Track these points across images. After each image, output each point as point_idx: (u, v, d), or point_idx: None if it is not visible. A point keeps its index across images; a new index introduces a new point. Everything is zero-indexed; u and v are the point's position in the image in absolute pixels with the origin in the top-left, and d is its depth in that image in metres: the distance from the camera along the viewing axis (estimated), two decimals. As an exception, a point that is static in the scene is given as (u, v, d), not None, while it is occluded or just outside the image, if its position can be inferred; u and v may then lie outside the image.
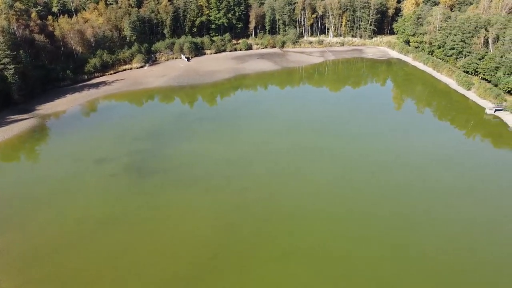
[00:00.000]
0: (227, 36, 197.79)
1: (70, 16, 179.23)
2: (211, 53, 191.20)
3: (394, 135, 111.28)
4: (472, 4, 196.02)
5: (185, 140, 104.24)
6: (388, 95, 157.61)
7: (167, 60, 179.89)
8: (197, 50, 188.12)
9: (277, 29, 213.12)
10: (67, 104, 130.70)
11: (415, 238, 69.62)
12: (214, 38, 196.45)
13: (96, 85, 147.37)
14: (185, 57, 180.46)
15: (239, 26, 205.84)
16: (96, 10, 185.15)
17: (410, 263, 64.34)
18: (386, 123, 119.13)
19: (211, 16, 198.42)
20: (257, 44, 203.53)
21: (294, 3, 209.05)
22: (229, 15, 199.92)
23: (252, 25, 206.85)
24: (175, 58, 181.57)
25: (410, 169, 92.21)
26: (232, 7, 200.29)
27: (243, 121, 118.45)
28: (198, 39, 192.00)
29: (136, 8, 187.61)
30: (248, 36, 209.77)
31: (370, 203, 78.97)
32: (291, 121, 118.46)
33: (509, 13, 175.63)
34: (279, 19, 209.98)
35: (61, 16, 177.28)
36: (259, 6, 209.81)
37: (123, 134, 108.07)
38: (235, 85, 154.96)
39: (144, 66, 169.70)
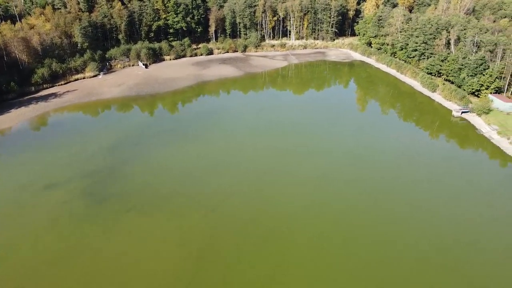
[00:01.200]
0: (186, 40, 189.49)
1: (14, 22, 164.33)
2: (170, 59, 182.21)
3: (358, 136, 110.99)
4: (430, 6, 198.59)
5: (147, 156, 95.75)
6: (352, 98, 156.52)
7: (124, 67, 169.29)
8: (156, 56, 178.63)
9: (238, 32, 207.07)
10: (12, 120, 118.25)
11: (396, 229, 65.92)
12: (173, 43, 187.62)
13: (45, 98, 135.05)
14: (143, 64, 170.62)
15: (199, 30, 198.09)
16: (42, 15, 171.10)
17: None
18: (351, 125, 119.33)
19: (168, 20, 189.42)
20: (218, 49, 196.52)
21: (255, 6, 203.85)
22: (188, 18, 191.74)
23: (212, 29, 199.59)
24: (132, 65, 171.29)
25: (378, 166, 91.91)
26: (190, 10, 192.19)
27: (208, 131, 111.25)
28: (156, 45, 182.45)
29: (87, 13, 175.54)
30: (208, 41, 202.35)
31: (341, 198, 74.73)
32: (258, 128, 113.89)
33: (467, 13, 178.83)
34: (240, 23, 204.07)
35: (3, 22, 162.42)
36: (219, 9, 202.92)
37: (77, 152, 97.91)
38: (197, 92, 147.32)
39: (99, 75, 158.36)
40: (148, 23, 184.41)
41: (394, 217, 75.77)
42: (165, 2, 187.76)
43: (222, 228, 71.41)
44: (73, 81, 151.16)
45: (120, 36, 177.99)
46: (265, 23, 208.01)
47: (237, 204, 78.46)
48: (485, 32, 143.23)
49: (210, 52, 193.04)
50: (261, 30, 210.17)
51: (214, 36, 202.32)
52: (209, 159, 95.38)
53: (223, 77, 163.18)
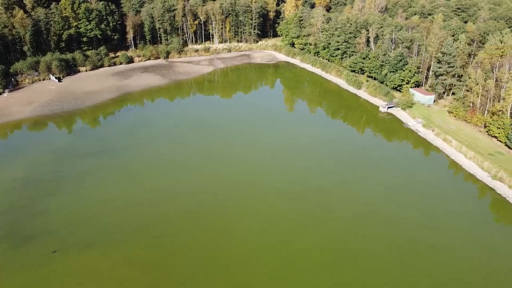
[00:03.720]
0: (102, 49, 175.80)
1: None
2: (86, 70, 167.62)
3: (285, 133, 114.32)
4: (346, 5, 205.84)
5: (72, 185, 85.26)
6: (279, 98, 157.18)
7: (33, 82, 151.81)
8: (69, 68, 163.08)
9: (158, 38, 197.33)
10: None
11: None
12: (88, 53, 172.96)
13: None
14: (55, 78, 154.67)
15: (116, 37, 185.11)
16: None
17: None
18: (281, 124, 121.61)
19: (80, 28, 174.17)
20: (139, 56, 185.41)
21: (174, 10, 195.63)
22: (102, 26, 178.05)
23: (130, 36, 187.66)
24: (43, 80, 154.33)
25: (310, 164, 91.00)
26: (104, 17, 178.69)
27: (138, 148, 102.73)
28: (69, 55, 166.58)
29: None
30: (127, 48, 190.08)
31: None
32: (190, 139, 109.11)
33: (381, 12, 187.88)
34: (159, 28, 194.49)
35: None
36: (136, 15, 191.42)
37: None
38: (121, 105, 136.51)
39: (3, 93, 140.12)
40: (57, 32, 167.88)
41: (332, 214, 75.28)
42: (75, 9, 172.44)
43: (167, 260, 65.10)
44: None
45: (25, 48, 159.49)
46: (186, 27, 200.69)
47: (181, 230, 72.48)
48: (400, 30, 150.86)
49: (131, 61, 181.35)
50: (183, 35, 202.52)
51: (133, 43, 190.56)
52: (144, 182, 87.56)
53: (147, 86, 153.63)
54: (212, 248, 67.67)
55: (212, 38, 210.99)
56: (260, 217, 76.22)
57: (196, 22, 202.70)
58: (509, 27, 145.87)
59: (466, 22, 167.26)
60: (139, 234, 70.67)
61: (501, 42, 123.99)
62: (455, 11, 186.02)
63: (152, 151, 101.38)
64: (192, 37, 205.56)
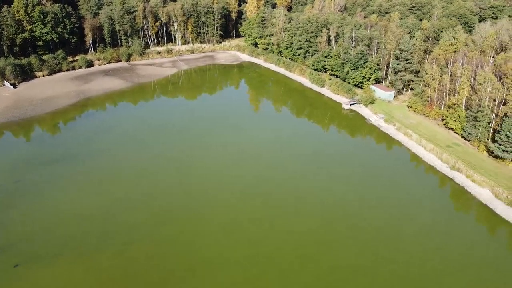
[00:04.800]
0: (60, 53, 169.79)
1: None
2: (43, 75, 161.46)
3: (251, 132, 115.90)
4: (307, 5, 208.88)
5: (33, 195, 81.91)
6: (244, 98, 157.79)
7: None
8: (25, 74, 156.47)
9: (119, 41, 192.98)
10: None
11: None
12: (45, 57, 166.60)
13: None
14: (10, 84, 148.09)
15: (73, 41, 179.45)
16: None
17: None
18: (246, 124, 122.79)
19: (35, 31, 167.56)
20: (99, 60, 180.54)
21: (134, 12, 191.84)
22: (59, 29, 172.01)
23: (89, 39, 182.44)
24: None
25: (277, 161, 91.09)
26: (60, 19, 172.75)
27: (98, 155, 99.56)
28: (24, 60, 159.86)
29: None
30: (86, 52, 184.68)
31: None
32: (154, 144, 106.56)
33: (340, 11, 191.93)
34: (119, 30, 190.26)
35: None
36: (94, 17, 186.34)
37: None
38: (81, 111, 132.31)
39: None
40: (11, 36, 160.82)
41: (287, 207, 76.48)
42: (29, 12, 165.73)
43: (137, 267, 63.90)
44: None
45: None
46: (147, 29, 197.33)
47: (148, 237, 71.25)
48: (359, 28, 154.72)
49: (90, 64, 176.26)
50: (144, 37, 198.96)
51: (92, 46, 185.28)
52: (108, 190, 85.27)
53: (109, 90, 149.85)
54: (180, 253, 66.94)
55: (175, 39, 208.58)
56: (227, 218, 76.04)
57: (158, 23, 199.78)
58: (461, 24, 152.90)
59: (421, 19, 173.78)
60: (106, 242, 68.88)
61: (454, 38, 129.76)
62: (411, 9, 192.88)
63: (115, 157, 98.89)
64: (153, 39, 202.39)
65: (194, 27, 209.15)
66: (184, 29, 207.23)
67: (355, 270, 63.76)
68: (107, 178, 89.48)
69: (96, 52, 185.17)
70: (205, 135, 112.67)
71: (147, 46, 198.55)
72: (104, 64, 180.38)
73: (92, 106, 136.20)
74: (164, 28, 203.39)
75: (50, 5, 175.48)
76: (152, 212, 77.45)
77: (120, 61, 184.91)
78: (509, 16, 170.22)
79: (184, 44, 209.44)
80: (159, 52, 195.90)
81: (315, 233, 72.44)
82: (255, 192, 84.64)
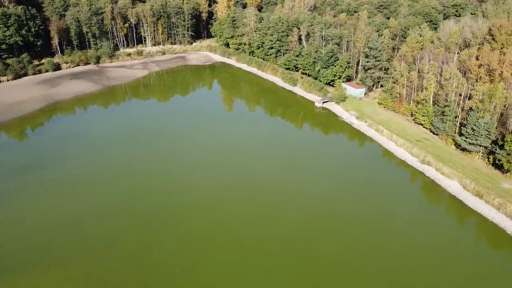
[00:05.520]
0: (25, 56, 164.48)
1: None
2: (8, 80, 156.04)
3: (225, 133, 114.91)
4: (277, 4, 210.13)
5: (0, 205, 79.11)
6: (218, 99, 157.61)
7: None
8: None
9: (87, 43, 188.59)
10: None
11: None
12: (9, 61, 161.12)
13: None
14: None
15: (39, 43, 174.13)
16: None
17: None
18: (220, 124, 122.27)
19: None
20: (67, 63, 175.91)
21: (102, 13, 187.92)
22: (23, 31, 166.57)
23: (55, 41, 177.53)
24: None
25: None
26: (24, 22, 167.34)
27: (68, 161, 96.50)
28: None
29: None
30: (53, 55, 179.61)
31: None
32: (123, 146, 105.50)
33: (310, 10, 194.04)
34: (87, 32, 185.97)
35: None
36: (60, 19, 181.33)
37: None
38: (50, 115, 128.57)
39: None
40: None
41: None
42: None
43: (111, 273, 62.68)
44: None
45: None
46: (116, 30, 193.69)
47: (119, 243, 69.96)
48: (329, 27, 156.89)
49: (57, 68, 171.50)
50: (114, 39, 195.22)
51: (59, 49, 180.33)
52: (77, 196, 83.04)
53: (78, 94, 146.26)
54: (153, 258, 65.91)
55: (145, 41, 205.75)
56: (198, 221, 75.46)
57: (127, 25, 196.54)
58: (427, 22, 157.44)
59: (388, 18, 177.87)
60: (76, 250, 67.07)
61: (420, 36, 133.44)
62: (378, 8, 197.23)
63: (85, 163, 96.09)
64: (123, 40, 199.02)
65: (165, 28, 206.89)
66: (154, 30, 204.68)
67: (337, 266, 64.32)
68: (77, 185, 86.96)
69: (64, 55, 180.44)
70: (179, 137, 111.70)
71: (116, 48, 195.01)
72: (72, 67, 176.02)
73: (61, 111, 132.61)
74: (134, 30, 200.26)
75: (13, 7, 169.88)
76: (126, 219, 75.91)
77: (89, 63, 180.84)
78: (471, 13, 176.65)
79: (154, 45, 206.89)
80: (129, 54, 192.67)
81: (293, 231, 72.87)
82: (232, 192, 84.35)
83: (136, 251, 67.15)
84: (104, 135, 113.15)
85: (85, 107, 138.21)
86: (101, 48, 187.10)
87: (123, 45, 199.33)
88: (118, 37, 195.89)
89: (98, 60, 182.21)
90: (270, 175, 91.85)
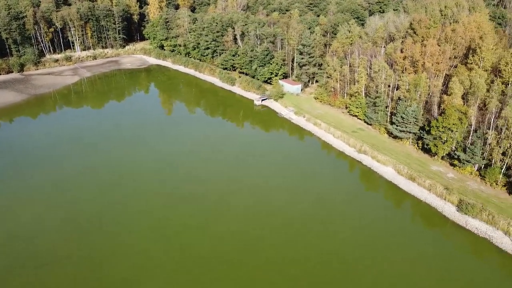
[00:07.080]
0: None
1: None
2: None
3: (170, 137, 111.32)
4: (210, 5, 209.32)
5: None
6: (156, 102, 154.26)
7: None
8: None
9: (8, 50, 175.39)
10: None
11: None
12: None
13: None
14: None
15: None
16: None
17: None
18: (160, 128, 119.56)
19: None
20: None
21: (23, 17, 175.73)
22: None
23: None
24: None
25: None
26: None
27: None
28: None
29: None
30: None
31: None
32: (56, 158, 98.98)
33: (243, 10, 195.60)
34: (7, 38, 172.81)
35: None
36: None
37: None
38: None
39: None
40: None
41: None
42: None
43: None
44: None
45: None
46: (40, 36, 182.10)
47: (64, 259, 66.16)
48: (263, 26, 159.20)
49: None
50: (38, 45, 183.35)
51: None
52: (15, 215, 77.50)
53: (0, 105, 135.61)
54: (113, 267, 63.28)
55: (73, 45, 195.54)
56: (152, 225, 73.67)
57: (52, 29, 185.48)
58: (354, 18, 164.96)
59: (318, 15, 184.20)
60: (14, 268, 62.41)
61: (349, 31, 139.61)
62: (308, 6, 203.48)
63: (13, 181, 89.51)
64: (49, 46, 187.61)
65: (94, 32, 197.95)
66: (83, 34, 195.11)
67: (288, 263, 64.94)
68: (10, 202, 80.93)
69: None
70: (117, 144, 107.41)
71: (42, 54, 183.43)
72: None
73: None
74: (60, 34, 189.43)
75: None
76: (72, 231, 71.91)
77: (12, 72, 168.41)
78: (394, 9, 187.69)
79: (84, 50, 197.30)
80: (56, 60, 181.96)
81: (242, 230, 73.09)
82: (180, 196, 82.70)
83: (87, 263, 63.79)
84: (34, 147, 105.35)
85: (10, 119, 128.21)
86: (24, 55, 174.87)
87: (50, 51, 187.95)
88: (43, 43, 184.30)
89: (22, 68, 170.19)
90: (212, 177, 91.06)
